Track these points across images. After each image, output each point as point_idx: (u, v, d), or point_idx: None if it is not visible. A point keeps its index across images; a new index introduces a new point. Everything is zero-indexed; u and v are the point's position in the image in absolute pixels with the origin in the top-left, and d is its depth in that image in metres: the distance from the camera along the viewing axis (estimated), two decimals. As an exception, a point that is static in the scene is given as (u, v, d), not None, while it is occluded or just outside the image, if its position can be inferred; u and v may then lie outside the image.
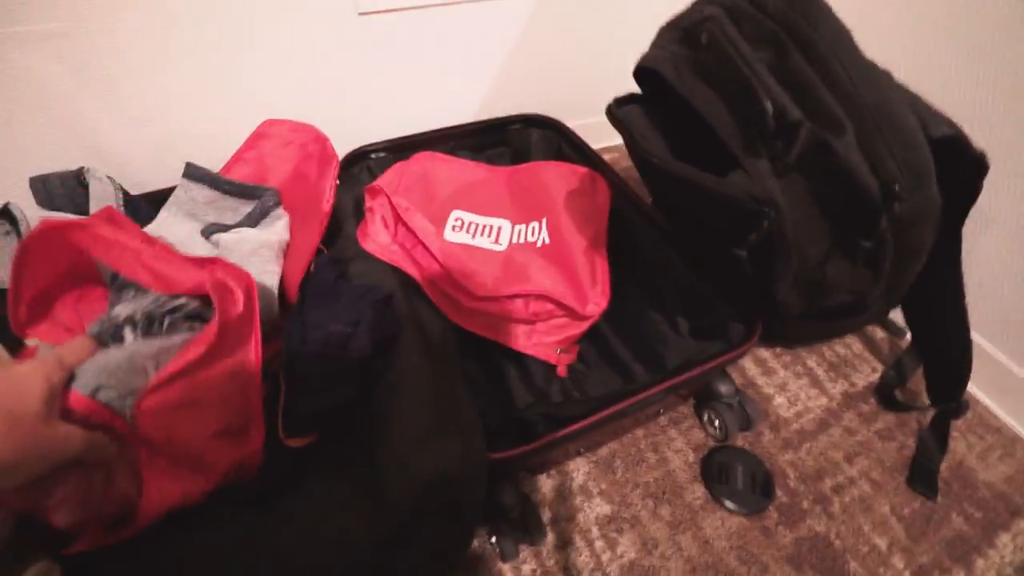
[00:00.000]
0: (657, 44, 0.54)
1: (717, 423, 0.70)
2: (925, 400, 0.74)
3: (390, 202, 0.72)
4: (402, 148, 0.90)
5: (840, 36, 0.43)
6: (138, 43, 0.73)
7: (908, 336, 0.83)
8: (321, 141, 0.74)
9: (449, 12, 0.87)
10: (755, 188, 0.44)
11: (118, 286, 0.50)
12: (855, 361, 0.82)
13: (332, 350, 0.52)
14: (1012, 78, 0.63)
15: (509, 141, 0.95)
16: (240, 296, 0.46)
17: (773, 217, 0.44)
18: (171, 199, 0.71)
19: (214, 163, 0.71)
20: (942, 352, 0.67)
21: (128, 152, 0.81)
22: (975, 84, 0.66)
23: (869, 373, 0.80)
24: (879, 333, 0.86)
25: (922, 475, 0.68)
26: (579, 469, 0.69)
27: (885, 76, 0.45)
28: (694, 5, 0.51)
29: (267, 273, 0.66)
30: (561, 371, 0.71)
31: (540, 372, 0.72)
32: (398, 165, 0.87)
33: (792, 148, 0.42)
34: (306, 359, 0.51)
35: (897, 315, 0.79)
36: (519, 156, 0.95)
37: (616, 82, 1.12)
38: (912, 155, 0.42)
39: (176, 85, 0.78)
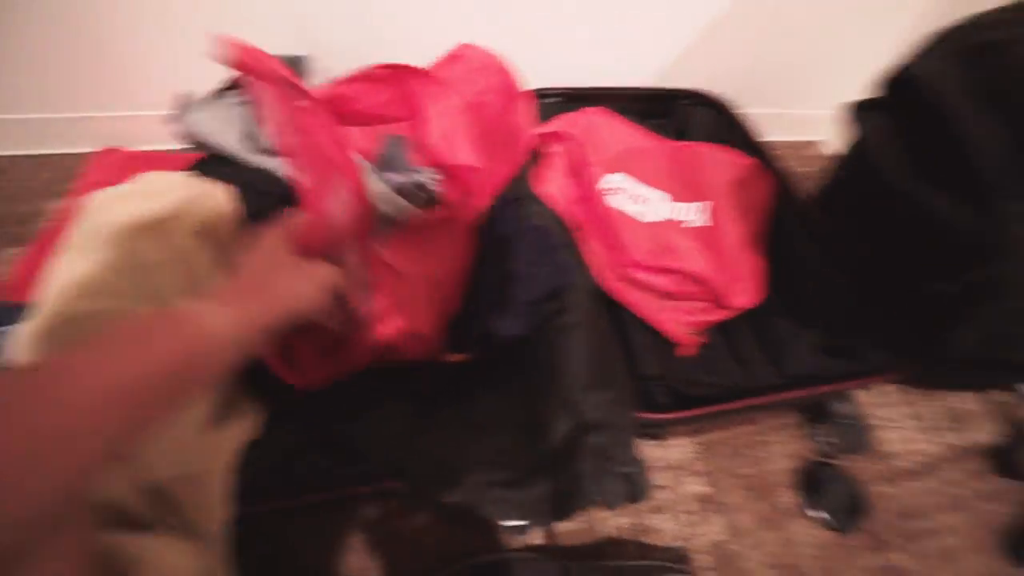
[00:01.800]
0: (931, 55, 0.51)
1: (829, 440, 0.72)
2: (1040, 475, 0.74)
3: (568, 152, 0.74)
4: (575, 98, 0.91)
5: None
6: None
7: (1035, 406, 0.81)
8: (506, 74, 0.75)
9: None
10: (1003, 228, 0.43)
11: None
12: (970, 417, 0.81)
13: (511, 286, 0.56)
14: None
15: (675, 114, 0.94)
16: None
17: (1012, 263, 0.43)
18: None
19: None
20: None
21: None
22: None
23: (982, 432, 0.80)
24: (1000, 396, 0.84)
25: (1016, 544, 0.69)
26: (685, 447, 0.73)
27: None
28: (994, 20, 0.48)
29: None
30: (690, 351, 0.73)
31: (664, 347, 0.75)
32: (566, 116, 0.88)
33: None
34: (486, 289, 0.55)
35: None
36: (681, 132, 0.94)
37: (802, 78, 1.07)
38: None
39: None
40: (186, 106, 0.60)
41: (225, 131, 0.60)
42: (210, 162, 0.60)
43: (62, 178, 0.88)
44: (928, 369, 0.65)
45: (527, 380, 0.55)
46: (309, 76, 0.75)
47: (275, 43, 0.78)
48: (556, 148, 0.75)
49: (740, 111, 0.91)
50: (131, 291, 0.41)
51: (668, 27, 0.92)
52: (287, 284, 0.39)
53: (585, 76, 0.90)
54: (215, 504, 0.42)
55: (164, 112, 0.60)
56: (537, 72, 0.88)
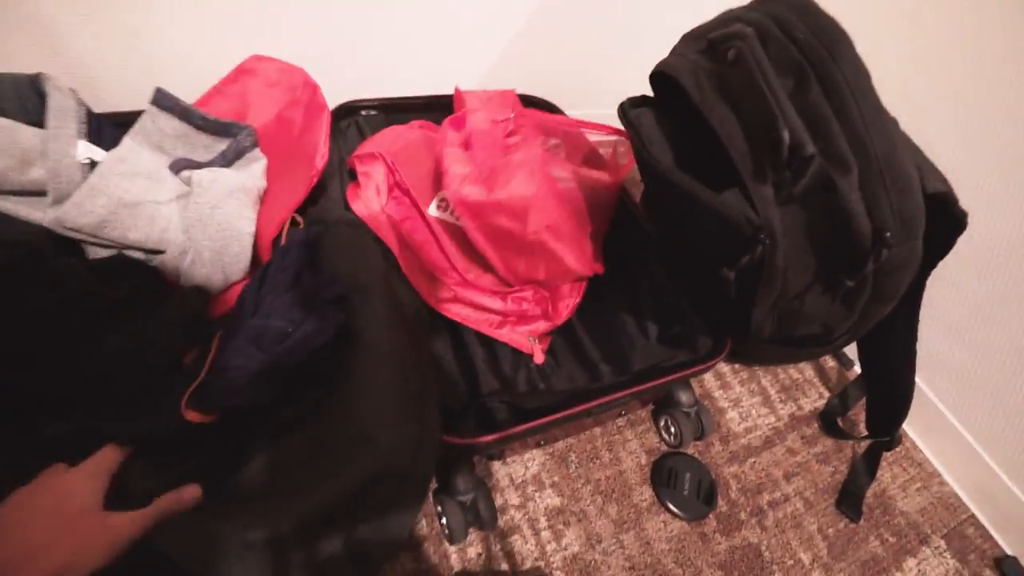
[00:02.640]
0: (679, 51, 0.53)
1: (673, 430, 0.72)
2: (863, 430, 0.79)
3: (389, 171, 0.69)
4: (395, 109, 0.87)
5: (859, 75, 0.44)
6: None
7: (856, 368, 0.88)
8: (311, 87, 0.70)
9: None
10: (754, 213, 0.45)
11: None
12: (805, 386, 0.86)
13: (265, 347, 0.47)
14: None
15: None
16: None
17: (768, 244, 0.45)
18: (136, 126, 0.65)
19: (191, 94, 0.66)
20: (886, 390, 0.72)
21: (99, 64, 0.73)
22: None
23: (816, 399, 0.85)
24: (830, 362, 0.90)
25: (849, 499, 0.73)
26: (534, 459, 0.69)
27: (893, 123, 0.46)
28: (722, 18, 0.50)
29: (244, 219, 0.62)
30: (539, 358, 0.71)
31: (508, 358, 0.72)
32: (393, 129, 0.83)
33: (800, 180, 0.43)
34: (239, 351, 0.46)
35: (849, 348, 0.84)
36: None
37: (620, 79, 1.11)
38: (908, 206, 0.43)
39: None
40: None
41: None
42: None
43: None
44: (744, 350, 0.67)
45: (323, 407, 0.48)
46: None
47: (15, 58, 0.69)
48: (376, 168, 0.70)
49: (567, 113, 0.92)
50: None
51: (481, 32, 0.91)
52: (74, 549, 0.33)
53: (403, 88, 0.87)
54: None
55: None
56: (349, 82, 0.84)
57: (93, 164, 0.60)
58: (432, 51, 0.91)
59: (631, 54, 1.05)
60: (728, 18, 0.49)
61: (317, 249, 0.61)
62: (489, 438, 0.54)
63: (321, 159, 0.62)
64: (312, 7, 0.78)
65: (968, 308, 0.74)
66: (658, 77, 0.56)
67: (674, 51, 0.55)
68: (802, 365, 0.88)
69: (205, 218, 0.59)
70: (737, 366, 0.85)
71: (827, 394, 0.86)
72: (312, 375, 0.47)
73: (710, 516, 0.69)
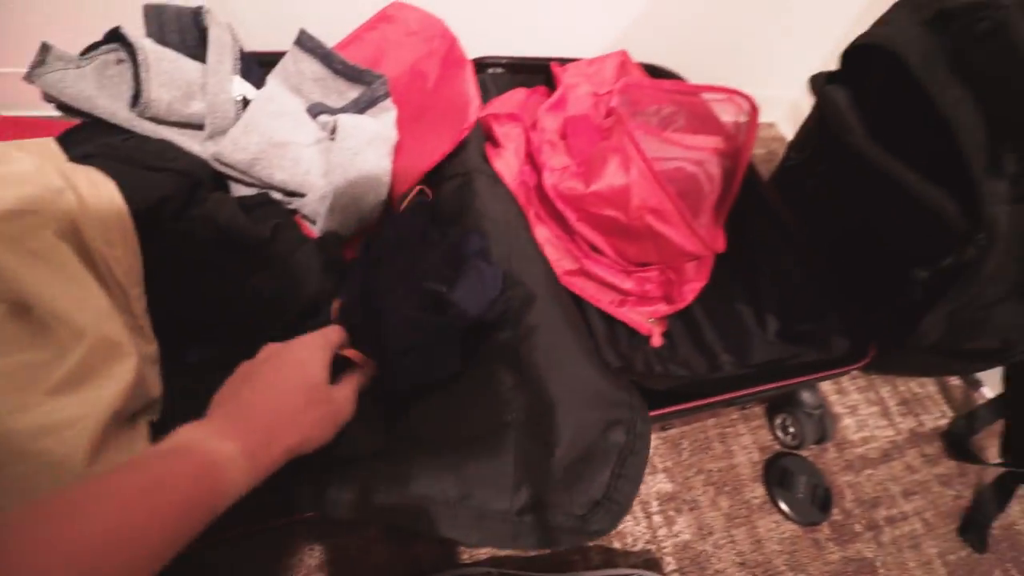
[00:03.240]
0: (892, 21, 0.48)
1: (793, 430, 0.69)
2: (993, 456, 0.74)
3: (527, 137, 0.67)
4: (522, 69, 0.85)
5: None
6: None
7: (983, 390, 0.82)
8: (449, 40, 0.69)
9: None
10: (978, 209, 0.41)
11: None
12: (927, 402, 0.81)
13: (430, 319, 0.44)
14: None
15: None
16: None
17: (984, 246, 0.41)
18: (278, 68, 0.66)
19: (332, 37, 0.66)
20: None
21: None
22: None
23: (939, 416, 0.79)
24: (954, 380, 0.84)
25: (974, 528, 0.69)
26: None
27: None
28: None
29: (382, 168, 0.62)
30: (656, 341, 0.69)
31: (625, 338, 0.71)
32: (518, 92, 0.81)
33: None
34: (401, 331, 0.43)
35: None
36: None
37: (751, 56, 1.05)
38: None
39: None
40: (45, 61, 0.48)
41: (100, 93, 0.49)
42: (84, 131, 0.50)
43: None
44: (892, 356, 0.63)
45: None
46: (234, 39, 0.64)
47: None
48: (510, 129, 0.68)
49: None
50: None
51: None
52: (316, 421, 0.35)
53: (528, 45, 0.84)
54: None
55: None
56: (477, 39, 0.82)
57: (245, 101, 0.61)
58: (562, 11, 0.87)
59: (773, 30, 0.99)
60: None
61: (460, 199, 0.60)
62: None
63: (474, 113, 0.61)
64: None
65: None
66: (858, 51, 0.51)
67: (884, 21, 0.50)
68: (924, 380, 0.83)
69: (346, 164, 0.59)
70: (860, 372, 0.80)
71: (951, 413, 0.80)
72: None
73: (824, 523, 0.66)
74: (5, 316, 0.32)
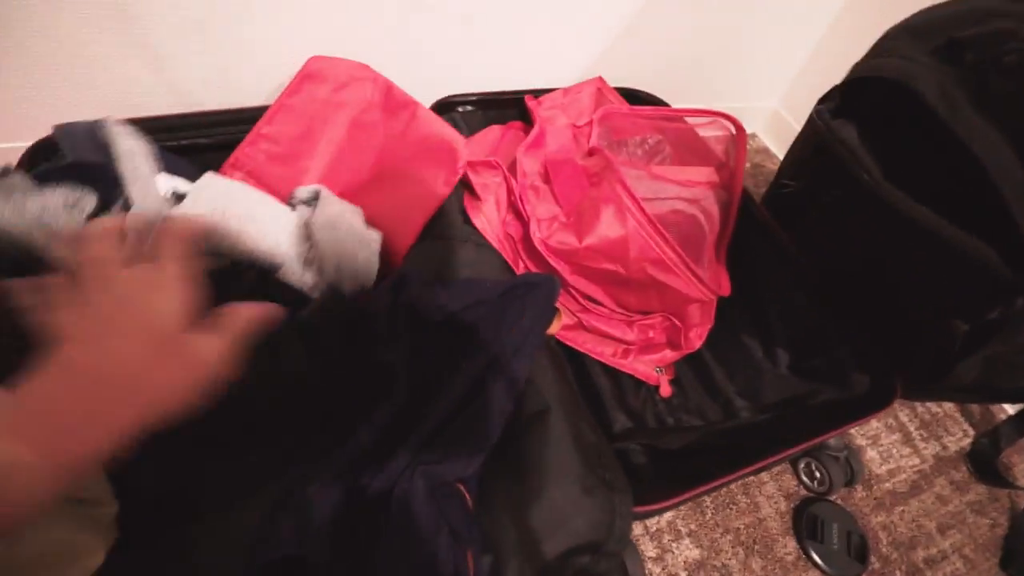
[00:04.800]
0: (893, 52, 0.44)
1: (819, 475, 0.65)
2: (1018, 475, 0.71)
3: (508, 186, 0.62)
4: (494, 104, 0.79)
5: None
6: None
7: (1007, 406, 0.79)
8: (382, 84, 0.62)
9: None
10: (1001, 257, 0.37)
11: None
12: (947, 422, 0.77)
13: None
14: None
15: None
16: None
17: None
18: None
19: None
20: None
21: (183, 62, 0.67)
22: None
23: (960, 437, 0.76)
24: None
25: (1016, 560, 0.65)
26: (668, 505, 0.63)
27: None
28: (964, 14, 0.41)
29: (368, 229, 0.57)
30: (665, 391, 0.64)
31: (632, 390, 0.66)
32: (492, 131, 0.76)
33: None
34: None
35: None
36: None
37: (722, 72, 1.02)
38: None
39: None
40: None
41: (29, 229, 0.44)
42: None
43: None
44: (917, 392, 0.59)
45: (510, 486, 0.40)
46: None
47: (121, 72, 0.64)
48: (493, 178, 0.63)
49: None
50: None
51: (585, 25, 0.83)
52: (166, 382, 0.24)
53: (498, 78, 0.79)
54: None
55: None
56: (444, 76, 0.77)
57: (178, 196, 0.54)
58: (531, 41, 0.83)
59: (745, 41, 0.96)
60: (978, 13, 0.40)
61: (440, 266, 0.54)
62: (651, 507, 0.47)
63: (463, 149, 0.56)
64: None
65: None
66: (860, 83, 0.47)
67: (886, 51, 0.46)
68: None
69: (335, 220, 0.54)
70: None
71: (971, 432, 0.77)
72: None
73: (864, 573, 0.61)
74: None
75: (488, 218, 0.60)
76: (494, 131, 0.75)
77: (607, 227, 0.56)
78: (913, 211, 0.42)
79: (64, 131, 0.52)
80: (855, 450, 0.66)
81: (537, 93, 0.78)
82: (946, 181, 0.40)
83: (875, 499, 0.68)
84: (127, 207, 0.51)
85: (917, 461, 0.72)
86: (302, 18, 0.66)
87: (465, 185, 0.63)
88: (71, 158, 0.52)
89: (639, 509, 0.41)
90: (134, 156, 0.52)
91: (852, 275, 0.58)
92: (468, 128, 0.76)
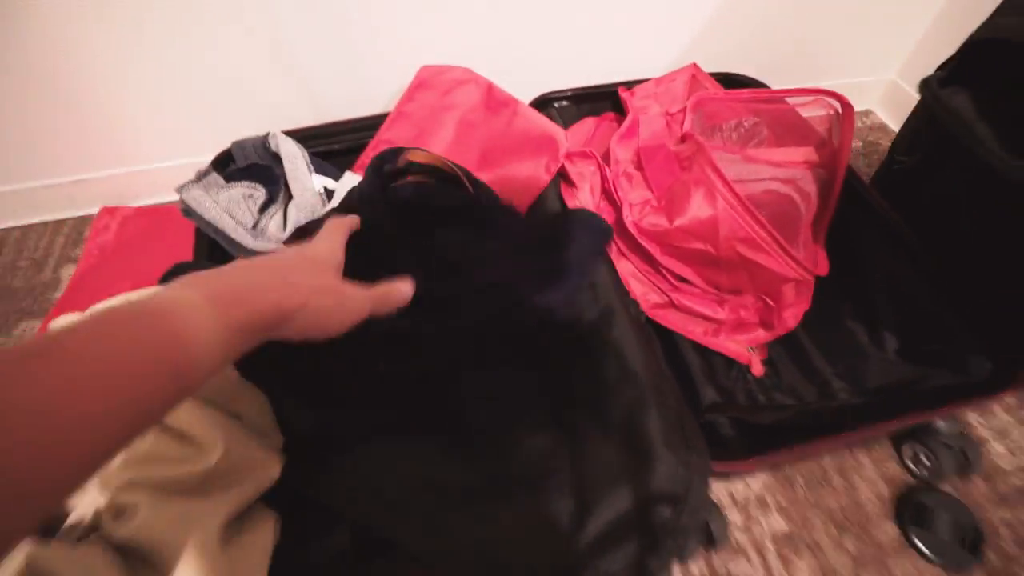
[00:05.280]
0: (1019, 10, 0.42)
1: (929, 463, 0.62)
2: None
3: (601, 173, 0.66)
4: (588, 98, 0.84)
5: None
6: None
7: None
8: (483, 84, 0.71)
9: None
10: None
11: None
12: (1094, 417, 0.69)
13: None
14: None
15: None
16: None
17: None
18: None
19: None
20: None
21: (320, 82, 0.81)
22: None
23: (1114, 434, 0.68)
24: None
25: None
26: (756, 478, 0.64)
27: None
28: None
29: None
30: (757, 370, 0.65)
31: (723, 368, 0.67)
32: (586, 122, 0.81)
33: None
34: None
35: None
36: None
37: (825, 50, 0.97)
38: None
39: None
40: (188, 183, 0.58)
41: (224, 217, 0.57)
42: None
43: (76, 241, 0.87)
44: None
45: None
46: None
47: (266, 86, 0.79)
48: (583, 167, 0.68)
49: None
50: None
51: (674, 12, 0.84)
52: (315, 289, 0.30)
53: (592, 73, 0.83)
54: None
55: (155, 166, 0.57)
56: (539, 76, 0.83)
57: (328, 192, 0.66)
58: (622, 32, 0.86)
59: (851, 10, 0.91)
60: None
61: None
62: (734, 464, 0.50)
63: (563, 141, 0.63)
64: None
65: None
66: (978, 46, 0.45)
67: (1010, 9, 0.44)
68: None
69: None
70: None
71: None
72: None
73: (975, 567, 0.58)
74: (159, 436, 0.36)
75: (583, 204, 0.65)
76: (588, 123, 0.80)
77: (697, 208, 0.59)
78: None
79: (238, 144, 0.66)
80: (973, 440, 0.63)
81: (629, 85, 0.81)
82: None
83: (999, 494, 0.64)
84: (289, 199, 0.64)
85: (1053, 458, 0.66)
86: (417, 33, 0.76)
87: (561, 175, 0.69)
88: (245, 164, 0.66)
89: (719, 466, 0.45)
90: (295, 159, 0.64)
91: (969, 254, 0.56)
92: (564, 121, 0.82)
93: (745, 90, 0.78)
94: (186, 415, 0.36)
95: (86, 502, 0.34)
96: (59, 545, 0.31)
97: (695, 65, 0.82)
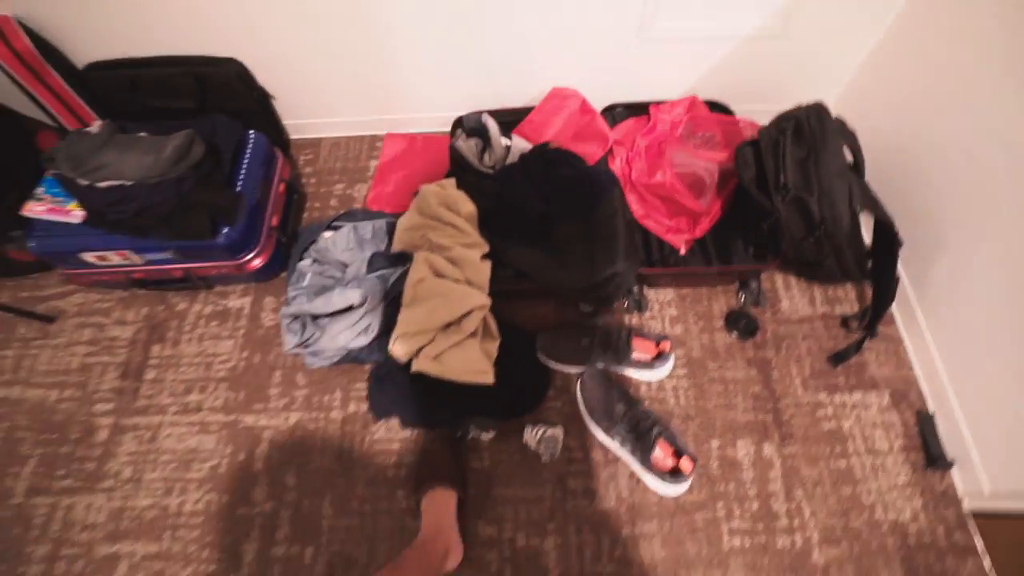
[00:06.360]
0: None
1: (744, 298, 1.45)
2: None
3: (627, 153, 1.48)
4: (634, 109, 1.61)
5: (836, 155, 1.06)
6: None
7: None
8: (579, 99, 1.52)
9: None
10: (772, 206, 1.13)
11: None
12: (842, 297, 1.47)
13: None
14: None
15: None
16: None
17: (776, 217, 1.13)
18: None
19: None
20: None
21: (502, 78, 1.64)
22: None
23: (846, 307, 1.46)
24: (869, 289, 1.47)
25: (837, 358, 1.38)
26: (668, 294, 1.50)
27: (843, 180, 1.08)
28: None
29: None
30: (683, 250, 1.48)
31: (666, 247, 1.51)
32: (628, 122, 1.60)
33: (787, 195, 1.09)
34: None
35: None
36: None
37: (773, 83, 1.65)
38: (835, 212, 1.07)
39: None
40: (460, 131, 1.45)
41: (471, 153, 1.44)
42: (456, 171, 1.46)
43: (373, 148, 1.82)
44: (787, 266, 1.34)
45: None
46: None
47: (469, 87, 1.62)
48: (619, 150, 1.49)
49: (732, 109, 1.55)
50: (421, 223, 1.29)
51: (688, 62, 1.58)
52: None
53: (639, 94, 1.60)
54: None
55: (419, 115, 1.49)
56: (609, 92, 1.60)
57: (507, 148, 1.52)
58: (655, 71, 1.60)
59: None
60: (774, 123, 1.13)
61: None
62: (653, 270, 1.36)
63: (612, 137, 1.45)
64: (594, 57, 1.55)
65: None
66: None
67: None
68: (848, 287, 1.48)
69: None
70: (797, 278, 1.50)
71: (856, 306, 1.46)
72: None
73: (751, 341, 1.42)
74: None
75: (617, 166, 1.48)
76: (630, 122, 1.58)
77: (660, 175, 1.40)
78: (764, 202, 1.19)
79: (468, 116, 1.52)
80: (764, 288, 1.44)
81: (658, 103, 1.58)
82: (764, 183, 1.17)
83: (774, 319, 1.45)
84: (489, 146, 1.51)
85: (809, 312, 1.46)
86: (554, 66, 1.57)
87: (608, 152, 1.51)
88: (471, 127, 1.53)
89: (645, 270, 1.32)
90: (495, 128, 1.51)
91: (756, 217, 1.34)
92: (616, 120, 1.60)
93: (719, 114, 1.54)
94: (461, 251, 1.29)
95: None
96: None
97: (695, 96, 1.56)
